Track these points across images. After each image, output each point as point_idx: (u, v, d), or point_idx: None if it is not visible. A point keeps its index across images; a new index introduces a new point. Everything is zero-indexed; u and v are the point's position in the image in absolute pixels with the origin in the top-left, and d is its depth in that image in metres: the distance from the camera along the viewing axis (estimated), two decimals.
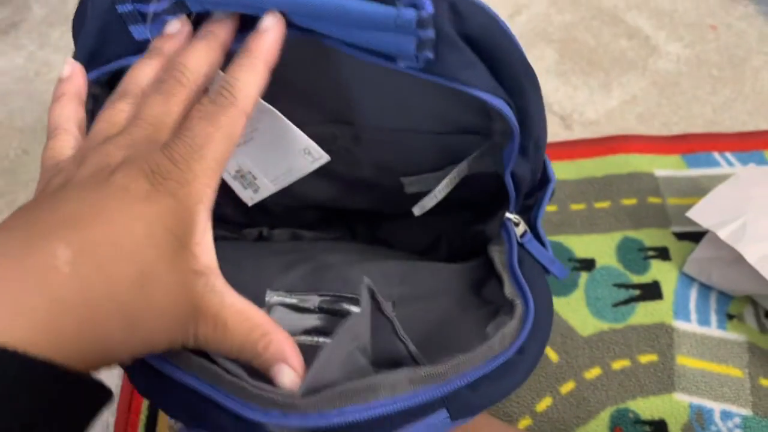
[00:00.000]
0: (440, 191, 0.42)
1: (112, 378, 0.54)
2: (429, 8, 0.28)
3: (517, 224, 0.39)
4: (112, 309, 0.24)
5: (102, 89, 0.34)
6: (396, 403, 0.30)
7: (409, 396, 0.30)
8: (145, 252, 0.25)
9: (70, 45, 0.75)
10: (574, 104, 0.69)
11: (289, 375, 0.29)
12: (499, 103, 0.32)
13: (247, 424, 0.29)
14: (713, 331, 0.55)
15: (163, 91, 0.29)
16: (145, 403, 0.53)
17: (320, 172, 0.47)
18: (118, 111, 0.29)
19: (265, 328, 0.28)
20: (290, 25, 0.30)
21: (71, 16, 0.78)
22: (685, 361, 0.53)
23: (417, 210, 0.43)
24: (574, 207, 0.62)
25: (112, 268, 0.24)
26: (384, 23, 0.28)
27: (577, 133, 0.67)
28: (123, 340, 0.25)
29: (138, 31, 0.31)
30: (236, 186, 0.41)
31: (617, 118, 0.68)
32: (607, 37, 0.75)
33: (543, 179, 0.41)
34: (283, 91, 0.38)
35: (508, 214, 0.39)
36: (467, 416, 0.32)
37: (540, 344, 0.34)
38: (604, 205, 0.62)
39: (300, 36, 0.31)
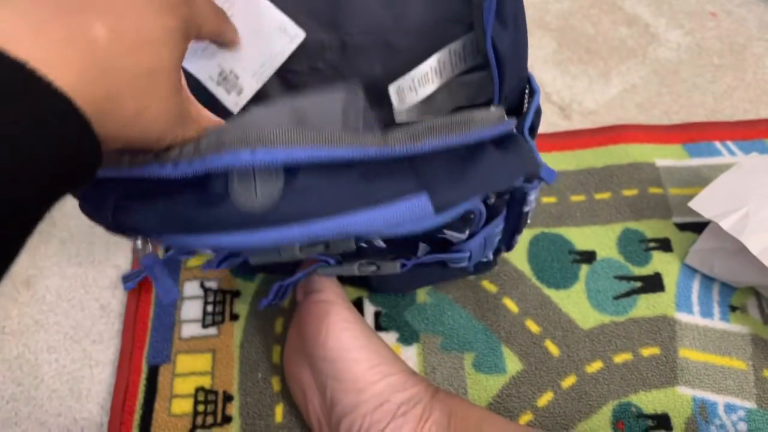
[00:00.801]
0: (420, 81, 0.41)
1: (104, 375, 0.54)
2: None
3: None
4: (132, 88, 0.28)
5: None
6: (368, 151, 0.30)
7: (380, 149, 0.31)
8: (162, 50, 0.30)
9: None
10: (572, 94, 0.68)
11: None
12: None
13: (213, 200, 0.31)
14: (716, 323, 0.54)
15: None
16: (139, 402, 0.52)
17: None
18: None
19: None
20: None
21: None
22: (687, 353, 0.52)
23: (394, 97, 0.42)
24: (574, 198, 0.61)
25: (138, 53, 0.28)
26: None
27: (576, 123, 0.66)
28: (132, 122, 0.29)
29: None
30: (220, 93, 0.41)
31: (617, 108, 0.67)
32: (606, 24, 0.74)
33: (528, 91, 0.40)
34: None
35: (492, 108, 0.37)
36: (449, 207, 0.31)
37: (521, 159, 0.34)
38: (604, 196, 0.61)
39: None
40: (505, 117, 0.33)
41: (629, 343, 0.53)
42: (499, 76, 0.36)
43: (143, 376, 0.53)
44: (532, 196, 0.39)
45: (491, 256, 0.50)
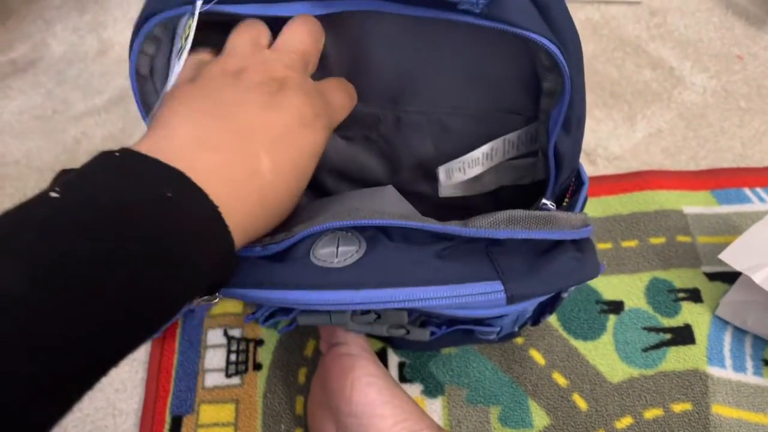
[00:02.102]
0: (470, 164, 0.41)
1: (127, 425, 0.53)
2: None
3: None
4: (281, 212, 0.33)
5: (164, 32, 0.36)
6: (449, 228, 0.32)
7: (459, 228, 0.32)
8: (310, 169, 0.34)
9: (88, 83, 0.75)
10: (597, 138, 0.68)
11: None
12: (555, 50, 0.32)
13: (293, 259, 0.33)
14: (749, 377, 0.53)
15: None
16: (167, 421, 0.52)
17: (360, 174, 0.47)
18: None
19: None
20: None
21: (89, 54, 0.78)
22: (720, 410, 0.51)
23: (442, 176, 0.42)
24: (601, 246, 0.60)
25: (292, 180, 0.32)
26: None
27: (602, 169, 0.66)
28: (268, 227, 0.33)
29: None
30: None
31: (642, 153, 0.67)
32: (630, 68, 0.74)
33: (576, 183, 0.40)
34: (338, 64, 0.41)
35: (545, 200, 0.39)
36: (522, 299, 0.32)
37: (593, 263, 0.34)
38: (631, 244, 0.60)
39: (360, 6, 0.33)
40: (588, 222, 0.34)
41: (659, 398, 0.52)
42: (555, 175, 0.38)
43: (167, 427, 0.53)
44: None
45: (516, 329, 0.50)
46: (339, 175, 0.48)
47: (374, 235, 0.33)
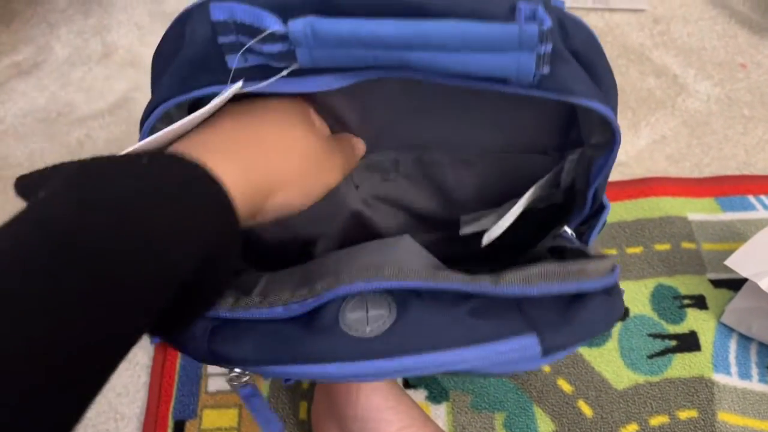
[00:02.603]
0: (507, 219, 0.41)
1: (129, 429, 0.53)
2: (548, 22, 0.27)
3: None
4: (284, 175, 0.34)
5: (178, 111, 0.35)
6: (481, 287, 0.31)
7: (492, 287, 0.31)
8: (299, 158, 0.35)
9: (92, 85, 0.75)
10: None
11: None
12: (610, 114, 0.32)
13: (322, 328, 0.32)
14: (754, 384, 0.52)
15: None
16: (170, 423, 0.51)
17: (385, 202, 0.47)
18: None
19: None
20: (385, 67, 0.31)
21: (93, 57, 0.78)
22: (726, 417, 0.51)
23: (485, 240, 0.42)
24: (606, 252, 0.60)
25: (276, 156, 0.34)
26: (506, 41, 0.27)
27: None
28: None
29: (232, 60, 0.31)
30: None
31: (646, 159, 0.67)
32: (634, 75, 0.74)
33: (598, 206, 0.40)
34: (359, 120, 0.40)
35: (566, 228, 0.39)
36: (557, 351, 0.31)
37: (620, 304, 0.34)
38: (636, 250, 0.60)
39: (395, 75, 0.31)
40: (616, 267, 0.34)
41: (665, 405, 0.52)
42: (588, 210, 0.38)
43: (169, 431, 0.52)
44: None
45: None
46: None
47: (403, 295, 0.33)
